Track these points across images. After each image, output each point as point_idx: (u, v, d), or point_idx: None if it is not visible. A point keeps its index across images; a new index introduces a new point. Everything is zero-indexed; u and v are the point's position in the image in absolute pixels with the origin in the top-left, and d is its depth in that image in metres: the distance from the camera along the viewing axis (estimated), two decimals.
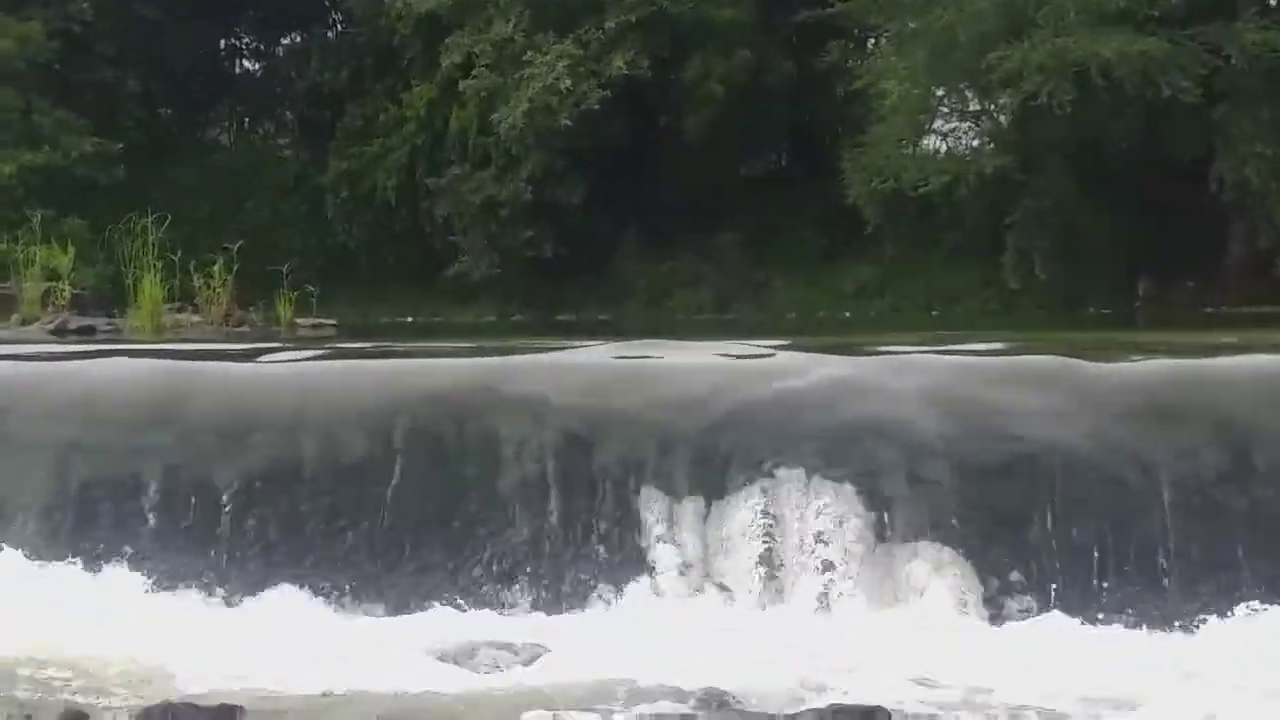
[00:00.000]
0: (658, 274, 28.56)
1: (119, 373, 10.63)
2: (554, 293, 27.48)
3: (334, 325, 19.09)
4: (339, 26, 35.20)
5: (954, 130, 27.61)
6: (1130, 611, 8.18)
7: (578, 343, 12.01)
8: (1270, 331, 14.22)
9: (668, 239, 28.54)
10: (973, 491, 8.78)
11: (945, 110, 27.22)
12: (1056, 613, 8.20)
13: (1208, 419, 8.97)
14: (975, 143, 27.14)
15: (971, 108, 27.01)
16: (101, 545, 9.06)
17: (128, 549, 9.05)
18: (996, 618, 8.27)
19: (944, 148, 27.55)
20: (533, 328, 21.48)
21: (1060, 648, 7.69)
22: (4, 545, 9.04)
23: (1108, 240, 24.36)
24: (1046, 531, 8.62)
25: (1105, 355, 10.09)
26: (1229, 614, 8.05)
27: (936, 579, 8.45)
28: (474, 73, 28.85)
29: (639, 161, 28.48)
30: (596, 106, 27.43)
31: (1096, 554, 8.50)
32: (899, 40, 26.18)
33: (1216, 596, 8.20)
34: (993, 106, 26.37)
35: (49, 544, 9.03)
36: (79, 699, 6.84)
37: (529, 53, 28.20)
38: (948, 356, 10.58)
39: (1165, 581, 8.42)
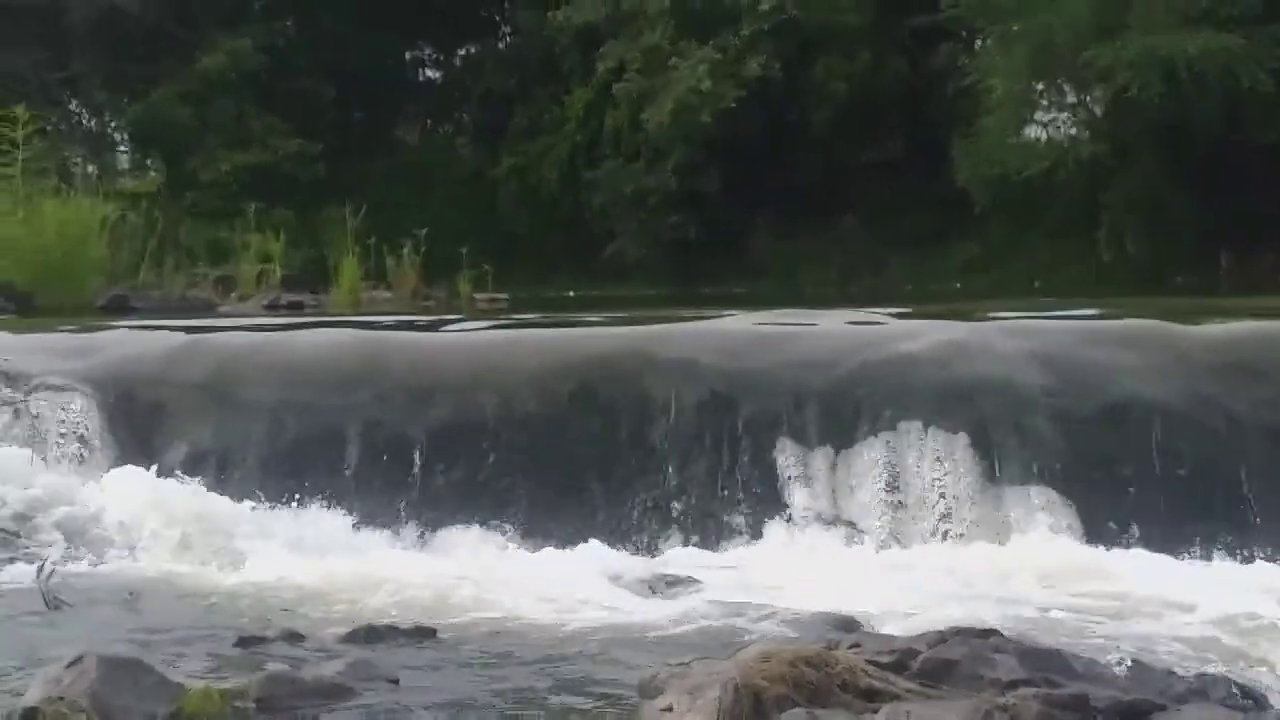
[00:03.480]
0: (787, 252, 28.32)
1: (324, 341, 10.78)
2: (696, 270, 27.33)
3: (507, 299, 19.20)
4: (508, 39, 35.27)
5: (1053, 120, 27.02)
6: (1218, 547, 8.03)
7: (720, 312, 11.97)
8: None
9: (795, 221, 28.29)
10: (1073, 440, 8.68)
11: (1045, 103, 26.67)
12: (1150, 548, 8.08)
13: None
14: (1072, 131, 26.55)
15: (1069, 100, 26.43)
16: (309, 489, 9.20)
17: (332, 492, 9.19)
18: (1095, 552, 8.15)
19: (1044, 136, 27.00)
20: (679, 300, 21.41)
21: (1153, 579, 7.55)
22: (226, 492, 9.19)
23: (1192, 217, 23.83)
24: (1141, 476, 8.50)
25: (1192, 319, 9.89)
26: None
27: (1041, 517, 8.36)
28: (626, 77, 28.77)
29: (770, 152, 28.24)
30: (734, 105, 27.21)
31: (1187, 497, 8.37)
32: (1003, 41, 25.68)
33: None
34: (1088, 99, 25.82)
35: (265, 488, 9.17)
36: (292, 622, 6.91)
37: (674, 59, 28.03)
38: (1049, 321, 10.43)
39: (1253, 520, 8.27)
